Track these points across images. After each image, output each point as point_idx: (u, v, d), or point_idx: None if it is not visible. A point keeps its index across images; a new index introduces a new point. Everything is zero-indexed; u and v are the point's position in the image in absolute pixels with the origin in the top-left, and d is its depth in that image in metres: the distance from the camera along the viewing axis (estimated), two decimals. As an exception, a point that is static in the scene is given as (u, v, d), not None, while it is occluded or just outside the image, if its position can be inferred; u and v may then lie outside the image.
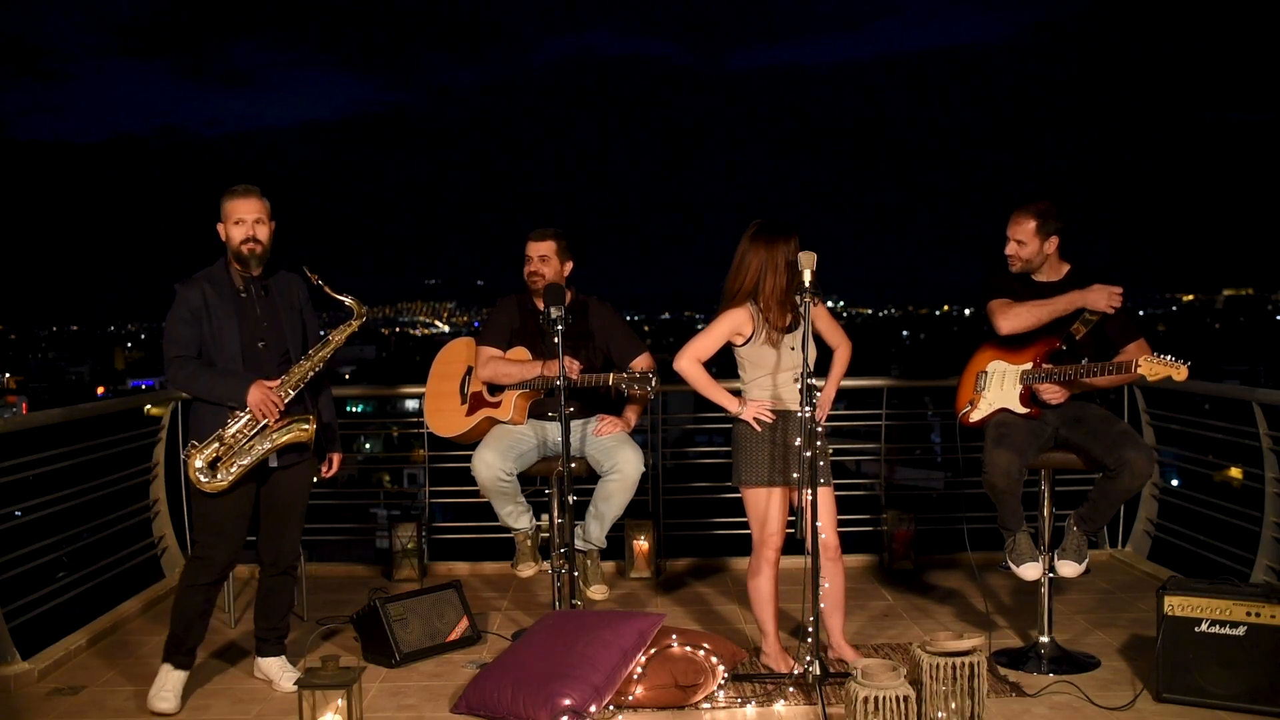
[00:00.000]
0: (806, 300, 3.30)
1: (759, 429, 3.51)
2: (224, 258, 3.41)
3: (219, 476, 3.29)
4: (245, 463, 3.30)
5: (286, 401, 3.34)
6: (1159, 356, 3.32)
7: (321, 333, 3.57)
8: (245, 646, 3.89)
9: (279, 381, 3.34)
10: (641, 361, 3.98)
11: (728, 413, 3.60)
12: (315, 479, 3.60)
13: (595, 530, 3.97)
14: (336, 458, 3.68)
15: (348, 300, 3.50)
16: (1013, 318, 3.58)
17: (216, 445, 3.30)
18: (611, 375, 3.76)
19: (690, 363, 3.58)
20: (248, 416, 3.31)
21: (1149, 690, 3.33)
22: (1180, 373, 3.29)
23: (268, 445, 3.32)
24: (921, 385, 6.39)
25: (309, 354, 3.43)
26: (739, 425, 3.57)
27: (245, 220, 3.34)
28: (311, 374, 3.42)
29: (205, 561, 3.38)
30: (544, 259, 3.93)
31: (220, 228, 3.39)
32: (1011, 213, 3.62)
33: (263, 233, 3.37)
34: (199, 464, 3.29)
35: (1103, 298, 3.52)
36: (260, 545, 3.57)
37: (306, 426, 3.35)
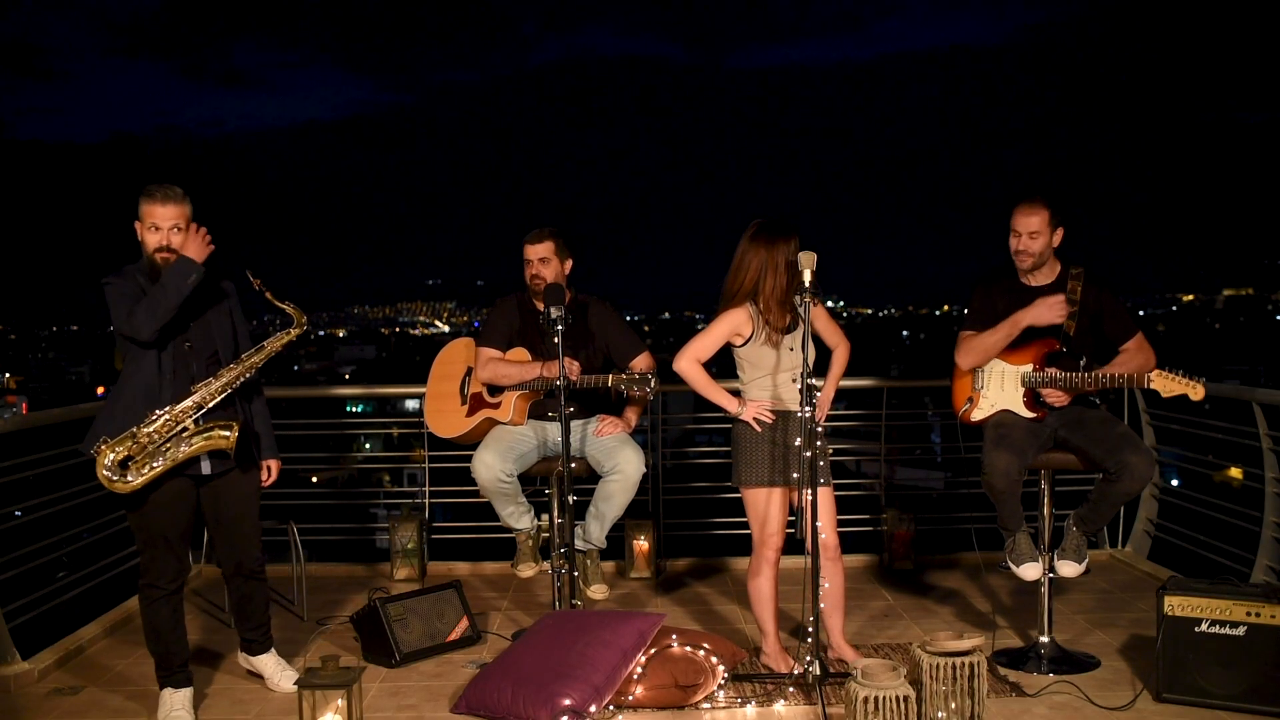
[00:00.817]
0: (806, 300, 3.29)
1: (759, 429, 3.51)
2: (146, 258, 3.25)
3: (129, 477, 3.10)
4: (158, 465, 3.13)
5: (212, 405, 3.21)
6: (1174, 373, 3.29)
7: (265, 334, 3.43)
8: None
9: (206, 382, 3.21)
10: (641, 362, 3.97)
11: (727, 413, 3.60)
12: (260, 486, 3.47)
13: (595, 530, 3.97)
14: (275, 465, 3.52)
15: (288, 308, 3.38)
16: (967, 354, 3.61)
17: (130, 443, 3.12)
18: (611, 376, 3.76)
19: (690, 363, 3.58)
20: (165, 417, 3.15)
21: (1149, 690, 3.33)
22: (1197, 392, 3.25)
23: (185, 450, 3.15)
24: (921, 385, 6.39)
25: (241, 358, 3.28)
26: (739, 425, 3.57)
27: (161, 228, 3.19)
28: (242, 379, 3.26)
29: (155, 574, 3.25)
30: (544, 261, 3.91)
31: (137, 227, 3.22)
32: (1016, 207, 3.54)
33: (178, 240, 3.19)
34: (108, 461, 3.10)
35: (1045, 313, 3.49)
36: (218, 556, 3.49)
37: (228, 434, 3.18)
